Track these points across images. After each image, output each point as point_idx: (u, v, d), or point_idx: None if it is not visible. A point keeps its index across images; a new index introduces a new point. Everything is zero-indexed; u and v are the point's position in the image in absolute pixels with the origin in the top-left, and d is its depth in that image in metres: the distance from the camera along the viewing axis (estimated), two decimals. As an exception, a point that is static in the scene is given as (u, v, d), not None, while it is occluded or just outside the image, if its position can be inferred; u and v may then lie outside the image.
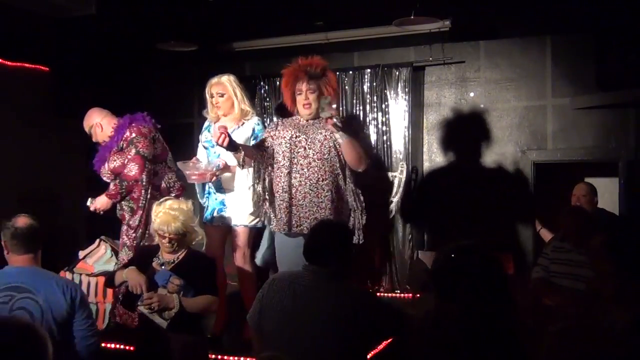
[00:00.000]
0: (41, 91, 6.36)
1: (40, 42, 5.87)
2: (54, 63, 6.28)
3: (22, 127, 6.15)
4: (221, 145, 3.68)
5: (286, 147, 3.91)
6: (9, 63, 6.04)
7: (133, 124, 4.23)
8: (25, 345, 1.90)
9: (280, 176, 3.91)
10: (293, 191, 3.87)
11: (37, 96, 6.35)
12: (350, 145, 3.81)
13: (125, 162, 4.15)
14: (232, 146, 3.74)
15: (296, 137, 3.91)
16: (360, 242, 3.94)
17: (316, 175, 3.85)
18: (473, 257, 2.30)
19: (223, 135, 3.63)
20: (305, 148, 3.88)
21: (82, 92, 6.38)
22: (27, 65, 6.19)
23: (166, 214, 3.43)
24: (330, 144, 3.86)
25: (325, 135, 3.88)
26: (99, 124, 4.35)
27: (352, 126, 4.01)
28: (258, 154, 3.95)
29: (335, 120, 3.73)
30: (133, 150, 4.14)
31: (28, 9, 4.53)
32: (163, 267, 3.45)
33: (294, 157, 3.89)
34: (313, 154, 3.87)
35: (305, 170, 3.86)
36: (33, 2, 4.42)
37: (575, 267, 3.93)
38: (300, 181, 3.87)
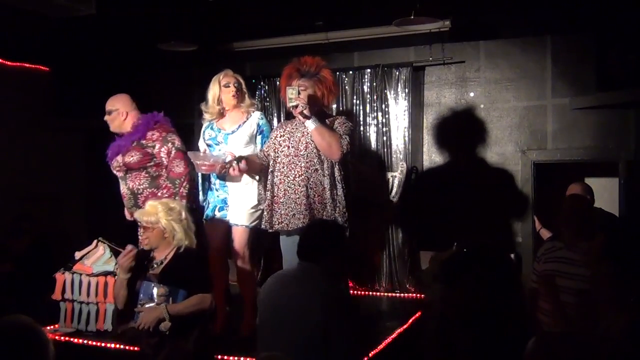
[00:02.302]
0: (41, 91, 6.37)
1: (40, 42, 5.88)
2: (54, 63, 6.28)
3: (22, 127, 6.16)
4: None
5: (272, 147, 3.99)
6: (9, 63, 6.05)
7: (157, 124, 4.22)
8: (25, 345, 1.90)
9: (268, 176, 3.98)
10: (275, 190, 3.91)
11: (37, 96, 6.35)
12: (318, 133, 3.79)
13: (166, 161, 4.13)
14: None
15: (281, 137, 3.98)
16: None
17: (293, 172, 3.87)
18: (483, 251, 2.49)
19: None
20: (288, 147, 3.92)
21: (82, 92, 6.39)
22: (27, 65, 6.20)
23: (151, 205, 3.52)
24: (307, 140, 3.86)
25: (303, 132, 3.88)
26: (125, 112, 4.27)
27: (325, 117, 3.98)
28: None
29: (301, 108, 3.74)
30: (173, 149, 4.14)
31: (28, 9, 4.52)
32: (154, 268, 3.44)
33: (277, 157, 3.95)
34: (294, 151, 3.89)
35: (285, 168, 3.90)
36: (33, 2, 4.41)
37: (570, 266, 3.90)
38: (281, 179, 3.90)
